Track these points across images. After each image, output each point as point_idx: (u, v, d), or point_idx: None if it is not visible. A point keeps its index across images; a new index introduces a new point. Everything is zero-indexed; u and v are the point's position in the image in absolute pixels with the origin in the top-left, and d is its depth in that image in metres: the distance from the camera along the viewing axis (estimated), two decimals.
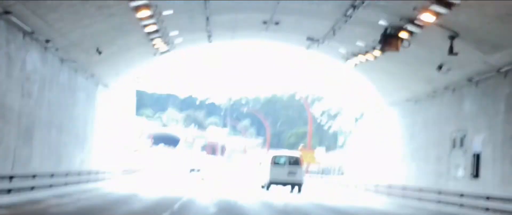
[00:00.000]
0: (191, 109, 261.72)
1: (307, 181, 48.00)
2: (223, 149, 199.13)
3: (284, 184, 39.23)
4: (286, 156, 40.89)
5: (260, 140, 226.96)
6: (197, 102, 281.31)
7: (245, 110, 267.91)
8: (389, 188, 35.38)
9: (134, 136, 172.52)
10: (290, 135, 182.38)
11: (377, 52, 28.79)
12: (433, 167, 30.73)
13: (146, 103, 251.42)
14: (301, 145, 63.85)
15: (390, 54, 27.22)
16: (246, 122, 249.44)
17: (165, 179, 53.33)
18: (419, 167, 32.78)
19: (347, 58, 33.39)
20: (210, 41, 33.76)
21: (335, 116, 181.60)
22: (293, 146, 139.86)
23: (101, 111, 36.06)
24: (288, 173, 38.77)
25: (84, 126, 32.60)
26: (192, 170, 69.34)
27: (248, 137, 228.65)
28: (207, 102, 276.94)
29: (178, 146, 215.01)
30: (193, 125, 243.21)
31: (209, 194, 32.04)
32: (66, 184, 27.74)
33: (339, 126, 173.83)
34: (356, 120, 50.24)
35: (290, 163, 39.29)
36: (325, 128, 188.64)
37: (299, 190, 38.80)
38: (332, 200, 33.07)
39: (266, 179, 39.62)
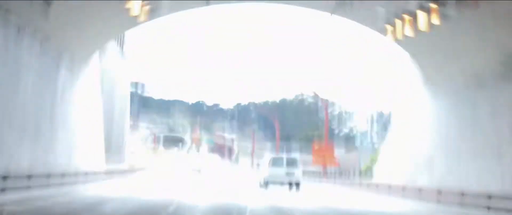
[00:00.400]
0: (199, 114, 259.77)
1: (324, 184, 47.01)
2: (231, 152, 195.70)
3: (282, 184, 40.30)
4: (284, 157, 42.15)
5: (268, 143, 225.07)
6: (205, 108, 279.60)
7: (253, 115, 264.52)
8: (438, 194, 28.59)
9: (137, 138, 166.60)
10: (300, 139, 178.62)
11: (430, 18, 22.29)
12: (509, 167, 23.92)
13: (153, 109, 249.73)
14: (314, 142, 58.89)
15: (450, 23, 21.59)
16: (254, 126, 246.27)
17: (163, 180, 51.10)
18: (487, 168, 25.60)
19: (385, 25, 25.78)
20: (207, 4, 28.05)
21: (348, 116, 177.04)
22: (304, 150, 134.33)
23: (67, 95, 29.17)
24: (286, 174, 39.63)
25: (38, 115, 25.47)
26: (194, 170, 68.44)
27: (256, 141, 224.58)
28: (215, 109, 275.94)
29: (184, 148, 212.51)
30: (199, 131, 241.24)
31: (205, 196, 28.33)
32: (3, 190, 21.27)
33: (354, 126, 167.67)
34: (379, 117, 45.64)
35: (288, 164, 40.11)
36: (336, 131, 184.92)
37: (298, 188, 39.48)
38: (352, 203, 28.04)
39: (264, 179, 40.75)
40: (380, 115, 66.02)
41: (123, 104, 59.44)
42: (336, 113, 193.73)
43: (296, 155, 61.84)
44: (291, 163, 40.56)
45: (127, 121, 63.02)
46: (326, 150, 57.65)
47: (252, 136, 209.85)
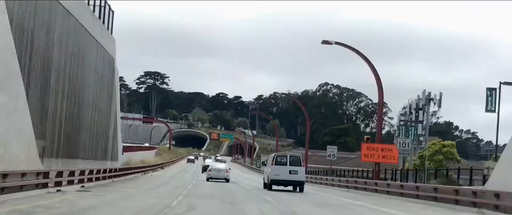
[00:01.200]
0: (219, 108, 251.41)
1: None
2: (251, 150, 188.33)
3: (285, 183, 40.60)
4: (288, 156, 41.94)
5: (291, 140, 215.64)
6: (225, 102, 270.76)
7: (275, 108, 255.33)
8: None
9: (155, 133, 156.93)
10: (324, 133, 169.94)
11: None
12: None
13: (172, 103, 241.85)
14: (365, 138, 48.84)
15: None
16: (276, 122, 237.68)
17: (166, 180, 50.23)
18: None
19: None
20: None
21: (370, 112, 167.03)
22: (328, 144, 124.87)
23: None
24: (289, 172, 40.00)
25: None
26: (205, 169, 64.62)
27: (277, 138, 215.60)
28: (235, 102, 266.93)
29: (203, 145, 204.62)
30: (219, 126, 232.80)
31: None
32: None
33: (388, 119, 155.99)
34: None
35: (291, 163, 40.34)
36: (363, 125, 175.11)
37: (301, 190, 40.26)
38: None
39: (268, 178, 41.20)
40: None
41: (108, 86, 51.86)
42: (362, 104, 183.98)
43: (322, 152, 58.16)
44: (295, 161, 40.62)
45: (116, 110, 55.36)
46: (380, 145, 45.05)
47: (273, 133, 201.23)
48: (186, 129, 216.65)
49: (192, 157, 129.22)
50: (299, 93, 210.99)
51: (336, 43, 45.89)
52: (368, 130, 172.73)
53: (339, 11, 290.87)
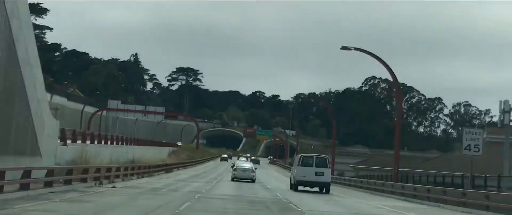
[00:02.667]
0: (256, 107, 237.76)
1: None
2: (292, 150, 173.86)
3: (311, 184, 41.17)
4: (314, 157, 42.30)
5: (331, 141, 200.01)
6: (263, 100, 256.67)
7: (314, 109, 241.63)
8: None
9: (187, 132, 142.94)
10: (371, 132, 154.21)
11: None
12: None
13: (206, 102, 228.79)
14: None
15: None
16: (316, 122, 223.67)
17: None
18: None
19: None
20: None
21: (432, 105, 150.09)
22: (381, 145, 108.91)
23: None
24: (315, 173, 40.53)
25: None
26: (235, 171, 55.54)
27: (320, 137, 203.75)
28: (273, 101, 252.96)
29: (238, 145, 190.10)
30: (256, 125, 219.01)
31: None
32: None
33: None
34: None
35: (317, 164, 40.83)
36: (414, 124, 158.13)
37: (328, 191, 40.94)
38: None
39: (294, 179, 42.31)
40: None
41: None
42: (414, 100, 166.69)
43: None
44: (321, 162, 40.94)
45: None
46: None
47: (312, 133, 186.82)
48: (220, 128, 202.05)
49: (225, 155, 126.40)
50: (340, 91, 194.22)
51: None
52: (420, 129, 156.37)
53: (378, 8, 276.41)
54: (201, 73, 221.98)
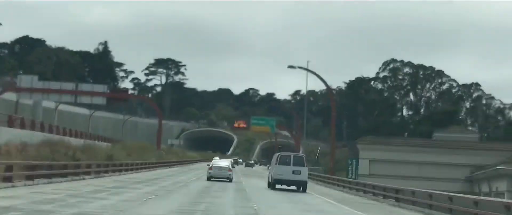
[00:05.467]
0: (249, 106, 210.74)
1: None
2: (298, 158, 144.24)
3: (289, 183, 41.27)
4: (291, 155, 42.46)
5: (339, 143, 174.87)
6: (256, 99, 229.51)
7: (313, 108, 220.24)
8: None
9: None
10: (390, 124, 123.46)
11: None
12: None
13: (193, 102, 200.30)
14: None
15: None
16: (316, 122, 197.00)
17: None
18: None
19: None
20: None
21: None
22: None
23: None
24: (292, 172, 40.44)
25: None
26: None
27: (321, 140, 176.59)
28: (268, 99, 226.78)
29: (226, 147, 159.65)
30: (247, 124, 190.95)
31: None
32: None
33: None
34: None
35: (294, 163, 40.79)
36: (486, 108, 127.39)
37: (304, 190, 40.99)
38: None
39: (271, 178, 42.30)
40: None
41: None
42: (444, 87, 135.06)
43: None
44: (298, 161, 41.09)
45: None
46: None
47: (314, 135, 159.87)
48: (206, 128, 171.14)
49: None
50: (348, 81, 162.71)
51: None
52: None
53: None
54: (184, 65, 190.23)
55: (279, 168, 40.59)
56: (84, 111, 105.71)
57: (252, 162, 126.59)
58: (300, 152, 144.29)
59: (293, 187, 41.45)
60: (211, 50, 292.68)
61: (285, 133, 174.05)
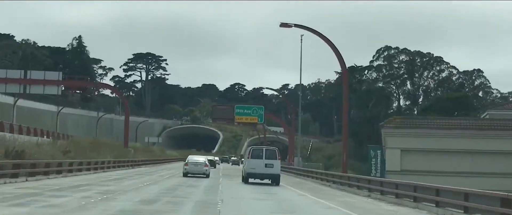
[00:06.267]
0: (234, 101, 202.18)
1: None
2: (283, 152, 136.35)
3: (261, 177, 41.05)
4: (263, 149, 42.57)
5: (329, 139, 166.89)
6: (243, 94, 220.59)
7: (303, 102, 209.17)
8: None
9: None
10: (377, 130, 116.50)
11: None
12: None
13: (176, 100, 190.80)
14: None
15: None
16: (306, 116, 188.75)
17: None
18: None
19: None
20: None
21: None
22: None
23: None
24: (265, 166, 40.34)
25: None
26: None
27: (315, 136, 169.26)
28: (255, 95, 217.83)
29: (211, 145, 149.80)
30: (236, 123, 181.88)
31: None
32: None
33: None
34: None
35: (267, 156, 40.65)
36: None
37: (277, 183, 40.75)
38: None
39: (244, 172, 42.34)
40: None
41: None
42: (444, 74, 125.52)
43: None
44: (271, 155, 40.95)
45: None
46: None
47: (304, 131, 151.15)
48: (189, 124, 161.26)
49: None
50: (340, 71, 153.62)
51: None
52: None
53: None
54: (165, 60, 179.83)
55: (251, 161, 40.42)
56: (51, 108, 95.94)
57: (236, 158, 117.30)
58: (296, 148, 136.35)
59: (267, 181, 41.04)
60: (197, 49, 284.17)
61: (274, 128, 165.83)
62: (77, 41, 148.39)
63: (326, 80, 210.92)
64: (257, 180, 41.28)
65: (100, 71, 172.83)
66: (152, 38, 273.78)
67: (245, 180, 41.71)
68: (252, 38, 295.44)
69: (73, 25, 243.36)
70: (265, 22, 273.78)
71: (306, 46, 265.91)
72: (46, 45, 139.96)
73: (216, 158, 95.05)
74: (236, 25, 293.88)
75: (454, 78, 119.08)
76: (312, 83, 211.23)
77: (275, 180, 40.77)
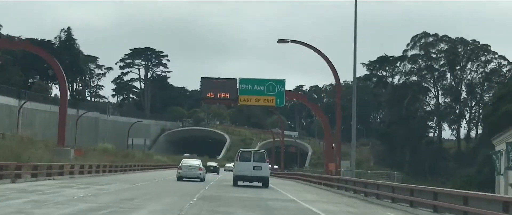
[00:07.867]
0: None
1: None
2: (299, 156, 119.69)
3: (250, 179, 41.49)
4: (252, 152, 43.52)
5: (346, 143, 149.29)
6: None
7: (319, 104, 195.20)
8: None
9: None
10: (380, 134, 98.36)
11: None
12: None
13: (181, 102, 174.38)
14: None
15: None
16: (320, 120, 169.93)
17: None
18: None
19: None
20: None
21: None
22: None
23: None
24: (253, 168, 40.75)
25: None
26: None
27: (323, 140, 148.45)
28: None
29: (220, 154, 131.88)
30: (246, 126, 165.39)
31: None
32: None
33: None
34: None
35: (255, 159, 41.22)
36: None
37: (266, 185, 41.44)
38: None
39: (234, 175, 42.46)
40: None
41: None
42: (491, 65, 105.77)
43: None
44: (259, 157, 41.54)
45: None
46: None
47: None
48: (191, 126, 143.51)
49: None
50: (368, 62, 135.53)
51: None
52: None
53: None
54: (166, 55, 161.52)
55: (240, 164, 40.97)
56: (12, 102, 78.58)
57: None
58: (309, 153, 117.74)
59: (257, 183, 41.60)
60: (202, 51, 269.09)
61: (287, 132, 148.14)
62: (66, 33, 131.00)
63: (344, 81, 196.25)
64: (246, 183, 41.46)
65: (97, 71, 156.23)
66: (153, 38, 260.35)
67: (234, 183, 41.70)
68: (261, 39, 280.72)
69: (71, 24, 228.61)
70: (275, 22, 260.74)
71: (327, 46, 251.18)
72: (31, 37, 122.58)
73: (228, 164, 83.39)
74: (242, 27, 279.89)
75: (505, 70, 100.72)
76: (327, 85, 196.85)
77: (264, 183, 41.45)
